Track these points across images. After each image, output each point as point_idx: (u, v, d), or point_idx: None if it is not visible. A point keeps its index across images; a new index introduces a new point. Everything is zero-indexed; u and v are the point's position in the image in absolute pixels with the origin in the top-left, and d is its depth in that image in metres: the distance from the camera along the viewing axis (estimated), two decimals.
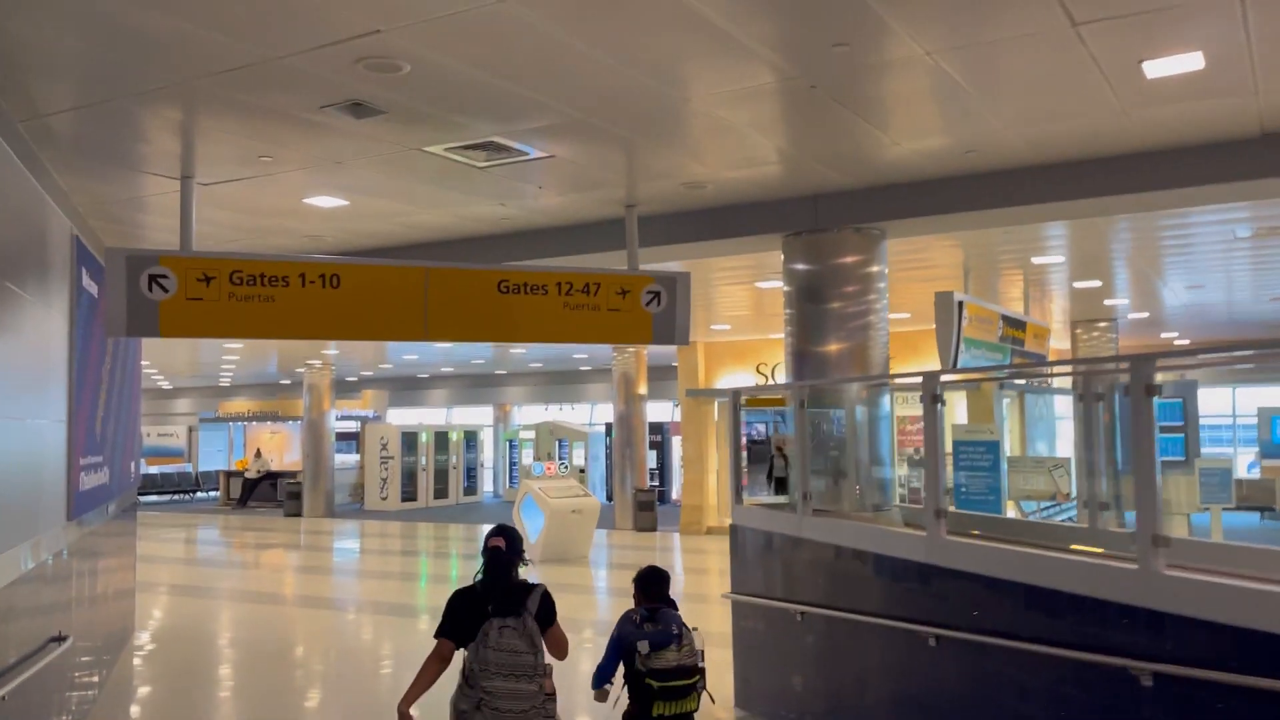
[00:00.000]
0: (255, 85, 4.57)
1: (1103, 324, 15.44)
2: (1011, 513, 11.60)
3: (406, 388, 31.90)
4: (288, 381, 30.52)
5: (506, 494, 28.28)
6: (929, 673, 5.09)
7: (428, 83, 4.56)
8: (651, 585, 4.49)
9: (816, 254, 7.10)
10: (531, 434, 26.58)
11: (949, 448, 16.66)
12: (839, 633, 6.00)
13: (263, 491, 27.14)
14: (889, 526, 6.29)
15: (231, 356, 22.41)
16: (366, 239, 8.29)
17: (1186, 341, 18.99)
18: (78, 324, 6.20)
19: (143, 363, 16.95)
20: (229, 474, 28.53)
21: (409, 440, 25.61)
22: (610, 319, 6.65)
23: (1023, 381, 15.98)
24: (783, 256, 7.35)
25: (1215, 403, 23.09)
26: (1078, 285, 11.67)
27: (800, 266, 7.20)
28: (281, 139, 5.47)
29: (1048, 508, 12.93)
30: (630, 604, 4.56)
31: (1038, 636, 4.40)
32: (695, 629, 4.41)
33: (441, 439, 26.75)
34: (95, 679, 7.23)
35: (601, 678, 4.32)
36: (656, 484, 23.94)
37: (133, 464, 9.78)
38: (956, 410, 16.81)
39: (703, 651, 4.34)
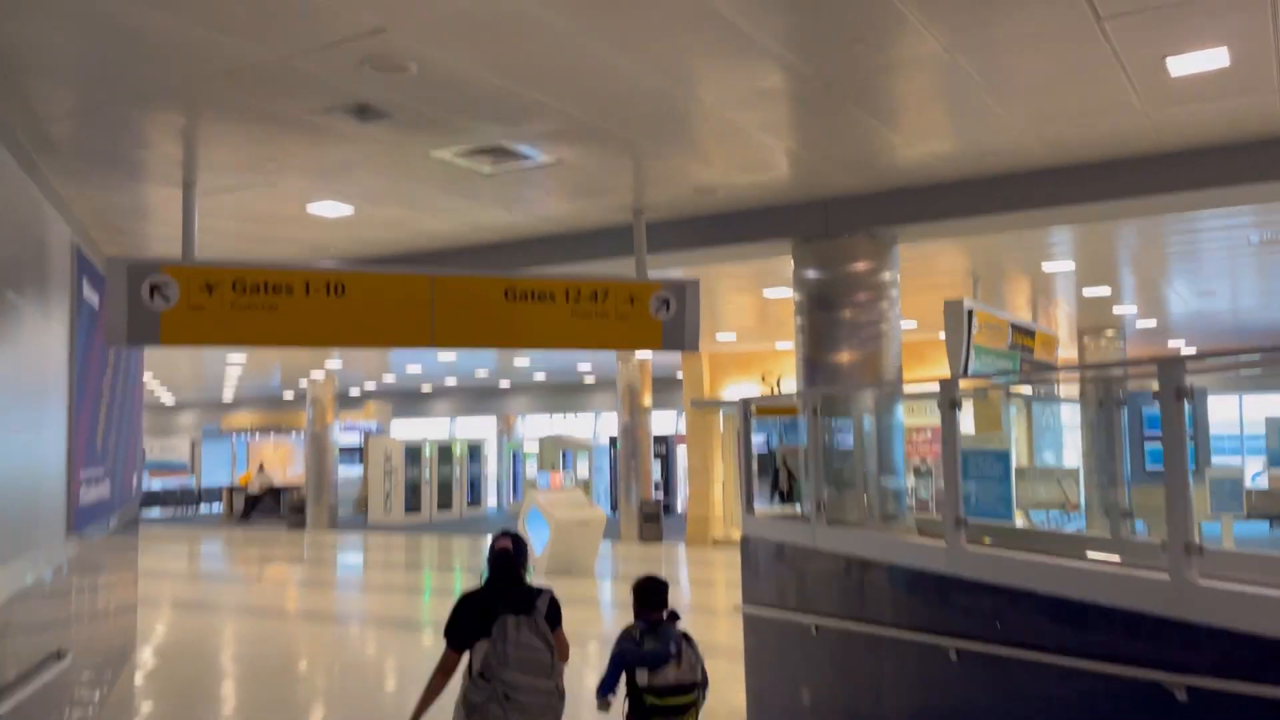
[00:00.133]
0: (258, 88, 4.47)
1: (1110, 332, 15.32)
2: (1019, 522, 11.48)
3: (410, 400, 31.80)
4: (290, 395, 30.43)
5: (510, 506, 28.16)
6: (950, 687, 4.96)
7: (435, 84, 4.46)
8: (650, 595, 4.46)
9: (827, 260, 6.99)
10: (535, 446, 26.46)
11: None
12: (854, 645, 5.87)
13: (266, 505, 27.03)
14: (905, 536, 6.17)
15: (234, 370, 22.32)
16: (371, 248, 8.19)
17: (1193, 350, 18.86)
18: (78, 335, 6.11)
19: (145, 376, 16.87)
20: (232, 488, 28.42)
21: (412, 453, 25.51)
22: (619, 326, 6.56)
23: (1029, 391, 15.88)
24: (793, 263, 7.24)
25: (1220, 410, 22.94)
26: (1087, 293, 11.56)
27: (811, 274, 7.08)
28: (285, 144, 5.37)
29: (1057, 517, 12.80)
30: (632, 616, 4.53)
31: (1065, 649, 4.27)
32: (696, 643, 4.40)
33: (445, 451, 26.64)
34: (96, 696, 7.11)
35: (604, 691, 4.32)
36: (661, 495, 23.79)
37: (134, 477, 9.68)
38: (963, 419, 16.67)
39: (703, 666, 4.32)
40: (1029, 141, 5.56)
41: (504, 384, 29.34)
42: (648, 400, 20.47)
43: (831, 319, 6.95)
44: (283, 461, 30.49)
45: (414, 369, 23.65)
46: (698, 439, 18.55)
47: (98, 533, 7.15)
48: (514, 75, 4.39)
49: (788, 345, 17.52)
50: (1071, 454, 18.56)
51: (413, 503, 25.39)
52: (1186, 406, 3.76)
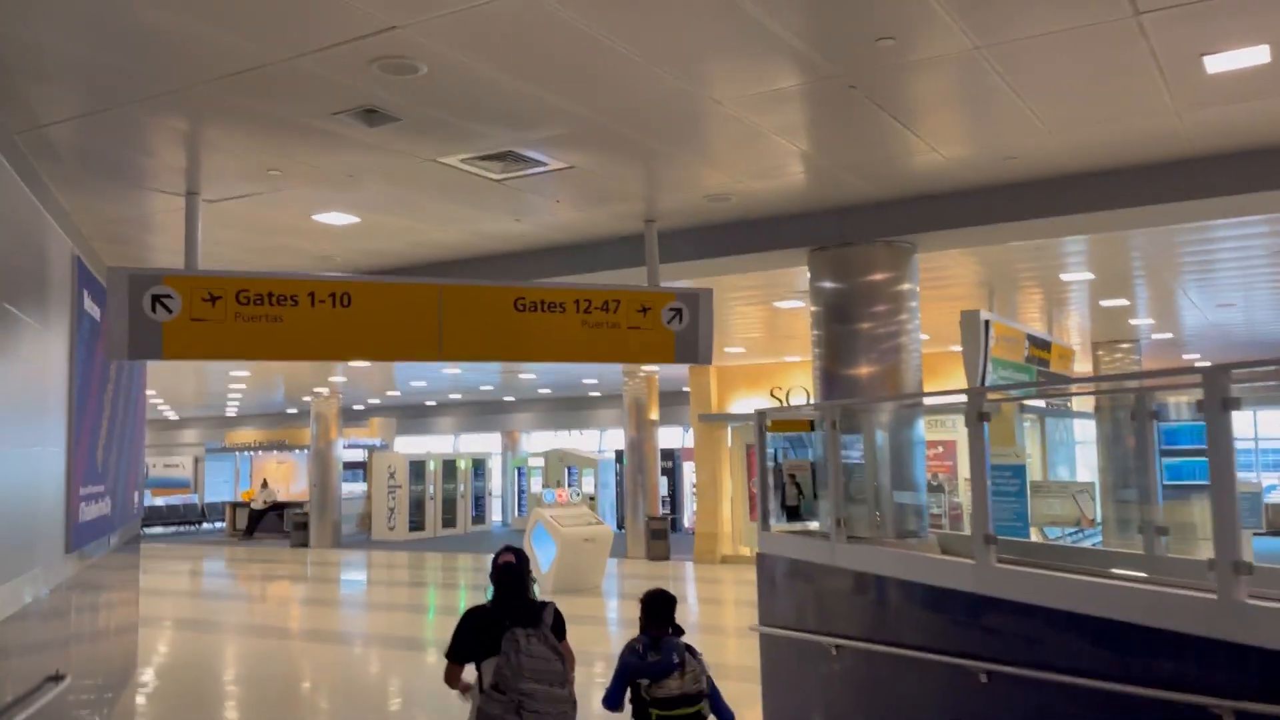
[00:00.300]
0: (263, 90, 4.34)
1: (1125, 345, 15.13)
2: (1034, 537, 11.28)
3: (414, 415, 31.64)
4: (294, 411, 30.29)
5: (515, 522, 27.93)
6: (980, 710, 4.77)
7: (445, 86, 4.33)
8: (658, 610, 4.44)
9: (844, 270, 6.83)
10: (540, 461, 26.27)
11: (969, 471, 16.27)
12: (877, 667, 5.67)
13: (269, 522, 26.84)
14: (928, 554, 5.99)
15: (238, 385, 22.19)
16: (377, 258, 8.05)
17: (1208, 364, 18.66)
18: (78, 348, 5.96)
19: (148, 392, 16.73)
20: (235, 505, 28.24)
21: (416, 469, 25.32)
22: (631, 337, 6.41)
23: (1043, 404, 15.70)
24: (809, 274, 7.08)
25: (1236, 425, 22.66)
26: (1104, 304, 11.38)
27: (827, 284, 6.92)
28: (290, 151, 5.24)
29: (1072, 533, 12.60)
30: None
31: (1102, 672, 4.09)
32: (700, 654, 4.40)
33: (449, 467, 26.45)
34: (96, 718, 6.93)
35: (610, 704, 4.33)
36: (668, 511, 23.57)
37: (136, 494, 9.52)
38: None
39: (708, 677, 4.32)
40: (1054, 146, 5.41)
41: (508, 399, 29.19)
42: (654, 414, 20.28)
43: (849, 331, 6.79)
44: (286, 478, 30.31)
45: (418, 383, 23.50)
46: (705, 454, 18.34)
47: (98, 551, 6.98)
48: (527, 75, 4.25)
49: (797, 359, 17.36)
50: (1084, 468, 18.38)
51: (417, 519, 25.18)
52: (1232, 418, 3.59)
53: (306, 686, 9.26)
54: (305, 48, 3.90)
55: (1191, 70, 4.33)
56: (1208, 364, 3.71)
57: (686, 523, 24.88)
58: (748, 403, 18.14)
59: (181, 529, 29.93)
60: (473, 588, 16.05)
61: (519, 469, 28.54)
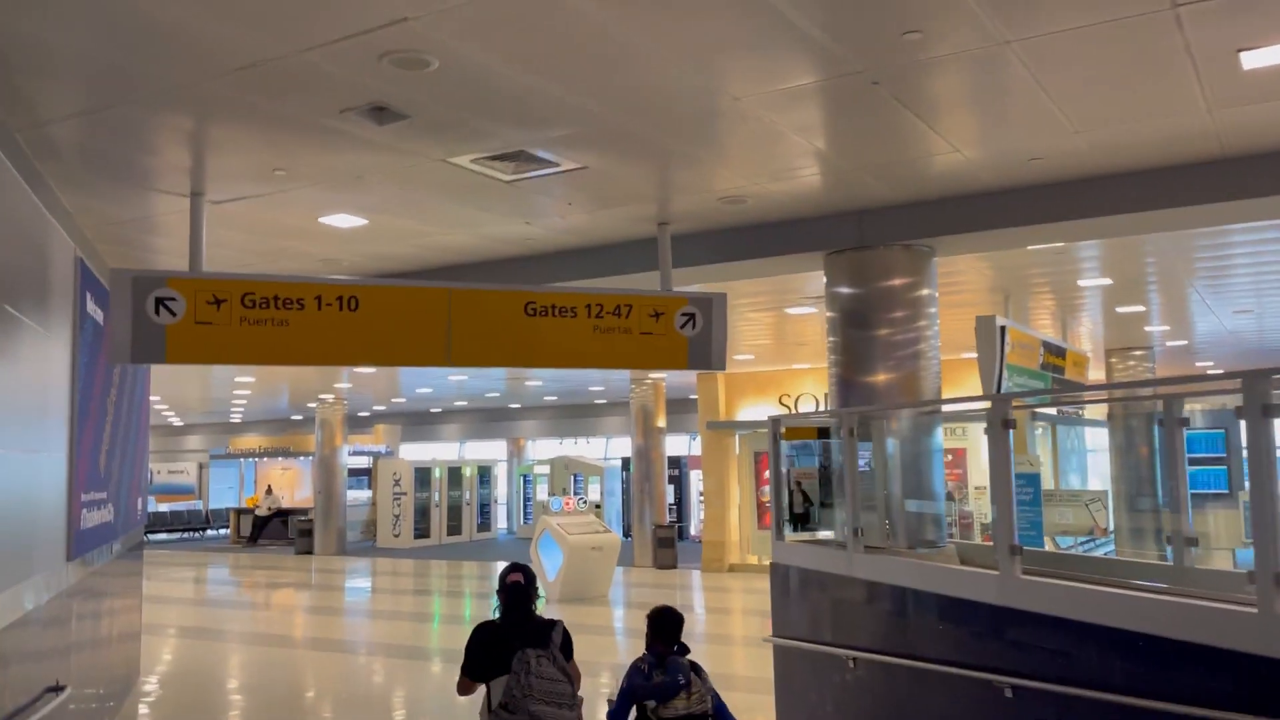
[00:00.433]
0: (270, 86, 4.22)
1: (1139, 352, 14.98)
2: (1046, 546, 11.13)
3: (419, 422, 31.54)
4: (299, 417, 30.20)
5: (520, 530, 27.79)
6: None
7: (456, 81, 4.21)
8: (665, 627, 4.44)
9: (862, 274, 6.69)
10: (546, 469, 26.12)
11: (983, 481, 16.15)
12: (897, 681, 5.53)
13: (274, 529, 26.73)
14: (948, 564, 5.85)
15: (243, 391, 22.09)
16: (384, 263, 7.93)
17: (1221, 371, 18.49)
18: (81, 351, 5.86)
19: (153, 398, 16.63)
20: (239, 511, 28.13)
21: (422, 476, 25.21)
22: (643, 343, 6.29)
23: (1054, 412, 15.56)
24: (825, 278, 6.94)
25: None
26: (1120, 310, 11.23)
27: (844, 290, 6.78)
28: (297, 150, 5.13)
29: (1084, 543, 12.44)
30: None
31: (1134, 687, 3.95)
32: (706, 674, 4.38)
33: (455, 474, 26.33)
34: None
35: None
36: (675, 519, 23.42)
37: (139, 501, 9.41)
38: (984, 443, 16.34)
39: (713, 695, 4.32)
40: (1079, 146, 5.28)
41: (514, 406, 29.06)
42: (662, 421, 20.14)
43: (866, 338, 6.65)
44: (291, 484, 30.21)
45: (424, 390, 23.39)
46: (713, 462, 18.19)
47: (100, 558, 6.87)
48: (541, 70, 4.12)
49: (806, 366, 17.21)
50: (1094, 477, 18.21)
51: (422, 527, 25.05)
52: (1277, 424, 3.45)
53: (311, 696, 9.14)
54: (313, 41, 3.79)
55: (1227, 66, 4.20)
56: (1246, 369, 3.57)
57: (693, 531, 24.72)
58: (756, 410, 18.00)
59: (185, 535, 29.82)
60: (478, 596, 15.91)
61: (525, 476, 28.41)
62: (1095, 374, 16.04)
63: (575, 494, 24.04)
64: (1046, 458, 16.69)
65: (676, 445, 25.84)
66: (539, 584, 4.51)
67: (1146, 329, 13.01)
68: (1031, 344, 9.70)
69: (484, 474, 27.69)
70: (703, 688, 4.30)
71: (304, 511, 25.40)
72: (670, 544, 18.82)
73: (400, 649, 11.29)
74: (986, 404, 5.09)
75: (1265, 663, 3.46)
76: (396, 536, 24.65)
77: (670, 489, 23.14)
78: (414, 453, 30.40)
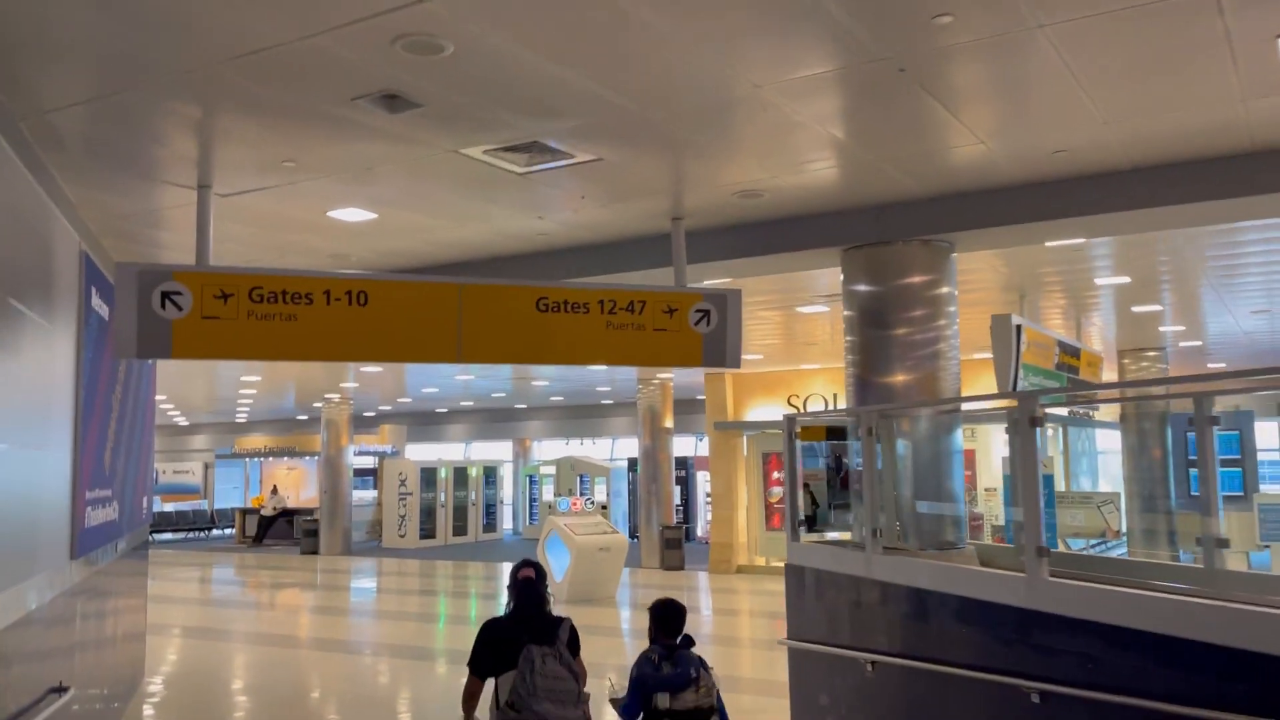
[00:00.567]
0: (279, 72, 4.11)
1: (1152, 353, 14.82)
2: (1059, 549, 10.96)
3: (425, 422, 31.45)
4: (305, 417, 30.13)
5: (526, 531, 27.69)
6: None
7: (471, 67, 4.09)
8: (668, 619, 4.44)
9: (880, 271, 6.55)
10: (552, 469, 26.02)
11: (996, 482, 15.98)
12: (917, 685, 5.41)
13: (279, 529, 26.66)
14: (970, 566, 5.72)
15: (248, 390, 22.01)
16: (393, 258, 7.82)
17: (1210, 380, 18.29)
18: (85, 346, 5.76)
19: (158, 397, 16.54)
20: (245, 511, 28.06)
21: (428, 476, 25.12)
22: (656, 339, 6.18)
23: (1064, 413, 15.42)
24: (842, 276, 6.81)
25: (1265, 436, 22.29)
26: (1136, 310, 11.09)
27: (862, 287, 6.65)
28: (307, 140, 5.01)
29: (1096, 544, 12.29)
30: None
31: (1169, 693, 3.83)
32: (711, 668, 4.38)
33: (460, 474, 26.24)
34: None
35: (627, 717, 4.31)
36: (682, 521, 23.29)
37: (144, 499, 9.31)
38: (996, 443, 16.21)
39: (718, 692, 4.33)
40: (1106, 138, 5.15)
41: (520, 406, 28.96)
42: (669, 422, 20.03)
43: (885, 337, 6.51)
44: (296, 484, 30.14)
45: (430, 390, 23.29)
46: (721, 463, 18.06)
47: (104, 557, 6.77)
48: (558, 55, 4.01)
49: (815, 366, 17.08)
50: (1105, 479, 18.06)
51: (428, 527, 24.96)
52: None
53: (316, 696, 9.04)
54: (324, 25, 3.67)
55: (1264, 53, 4.07)
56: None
57: (700, 532, 24.60)
58: (764, 411, 17.87)
59: (191, 535, 29.76)
60: (484, 596, 15.80)
61: (530, 477, 28.31)
62: (1107, 375, 15.90)
63: (582, 495, 23.94)
64: (1057, 459, 16.54)
65: (683, 446, 25.72)
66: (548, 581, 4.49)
67: (1161, 329, 12.85)
68: (1047, 343, 9.57)
69: (490, 474, 27.60)
70: (709, 682, 4.31)
71: (309, 512, 25.33)
72: (677, 545, 18.71)
73: (406, 650, 11.19)
74: (1012, 402, 4.97)
75: None
76: (402, 537, 24.56)
77: (677, 491, 23.03)
78: (420, 453, 30.32)
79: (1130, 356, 15.01)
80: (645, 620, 4.56)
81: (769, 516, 17.63)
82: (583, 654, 4.23)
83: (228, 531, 29.77)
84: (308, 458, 29.74)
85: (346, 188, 5.92)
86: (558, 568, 14.37)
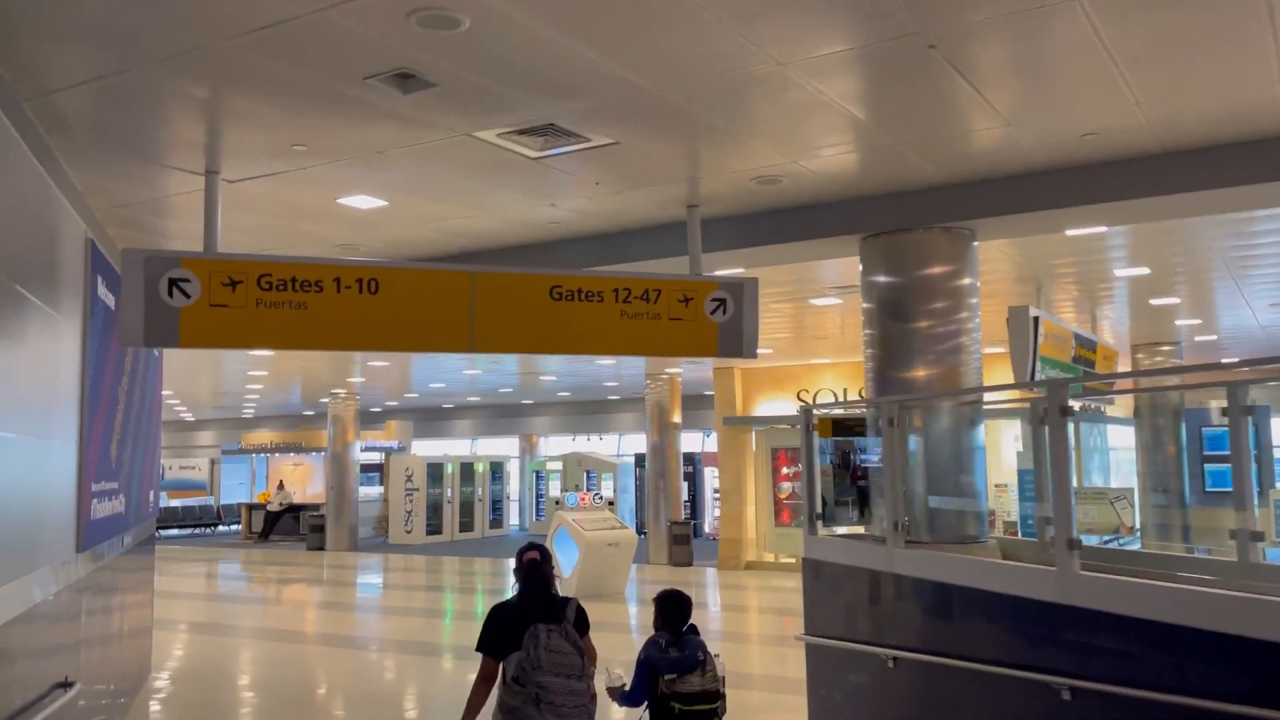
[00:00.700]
0: (289, 49, 3.99)
1: (1166, 347, 14.65)
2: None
3: (431, 418, 31.36)
4: (311, 412, 30.05)
5: (533, 527, 27.61)
6: None
7: (487, 44, 3.97)
8: (675, 612, 4.46)
9: (900, 261, 6.41)
10: (559, 465, 25.91)
11: (1007, 478, 15.84)
12: (940, 682, 5.28)
13: (285, 525, 26.59)
14: (992, 559, 5.60)
15: (255, 386, 21.93)
16: (404, 248, 7.70)
17: (1245, 368, 18.13)
18: (91, 336, 5.65)
19: (164, 392, 16.44)
20: (251, 507, 28.00)
21: (434, 472, 25.03)
22: (672, 329, 6.07)
23: (1076, 407, 15.26)
24: (860, 265, 6.68)
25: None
26: (1154, 302, 10.93)
27: (881, 278, 6.51)
28: (317, 122, 4.90)
29: (1109, 540, 12.16)
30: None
31: (1214, 691, 3.70)
32: (717, 655, 4.41)
33: (467, 470, 26.15)
34: None
35: (633, 701, 4.35)
36: (689, 516, 23.19)
37: (151, 493, 9.21)
38: (1006, 438, 16.08)
39: (724, 678, 4.37)
40: (1137, 120, 5.01)
41: (527, 402, 28.86)
42: (677, 417, 19.91)
43: (905, 330, 6.37)
44: (302, 480, 30.08)
45: (437, 385, 23.19)
46: (730, 459, 17.93)
47: (111, 551, 6.67)
48: (577, 31, 3.88)
49: (826, 360, 16.94)
50: (1117, 475, 17.91)
51: (434, 523, 24.87)
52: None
53: (323, 693, 8.94)
54: None
55: None
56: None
57: (707, 528, 24.49)
58: (773, 406, 17.74)
59: (197, 531, 29.71)
60: (490, 592, 15.70)
61: (537, 473, 28.22)
62: (1122, 370, 15.74)
63: (589, 490, 23.82)
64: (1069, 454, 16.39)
65: (691, 442, 25.60)
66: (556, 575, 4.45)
67: (1176, 323, 12.69)
68: (1064, 336, 9.43)
69: (496, 470, 27.51)
70: (715, 668, 4.34)
71: (316, 507, 25.26)
72: (686, 541, 18.60)
73: (412, 645, 11.10)
74: (1033, 393, 4.85)
75: None
76: (409, 533, 24.48)
77: (684, 486, 22.92)
78: (426, 449, 30.23)
79: (1144, 351, 14.85)
80: (654, 616, 4.56)
81: (778, 512, 17.51)
82: (591, 640, 4.27)
83: (234, 527, 29.71)
84: (314, 453, 29.67)
85: (357, 173, 5.80)
86: (566, 563, 14.27)
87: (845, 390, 16.93)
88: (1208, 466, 14.75)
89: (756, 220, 6.76)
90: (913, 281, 6.38)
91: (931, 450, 6.24)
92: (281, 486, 27.91)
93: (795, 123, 5.03)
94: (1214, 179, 5.43)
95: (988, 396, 10.24)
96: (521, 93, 4.53)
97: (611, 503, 23.12)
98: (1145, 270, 9.17)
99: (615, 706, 4.58)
